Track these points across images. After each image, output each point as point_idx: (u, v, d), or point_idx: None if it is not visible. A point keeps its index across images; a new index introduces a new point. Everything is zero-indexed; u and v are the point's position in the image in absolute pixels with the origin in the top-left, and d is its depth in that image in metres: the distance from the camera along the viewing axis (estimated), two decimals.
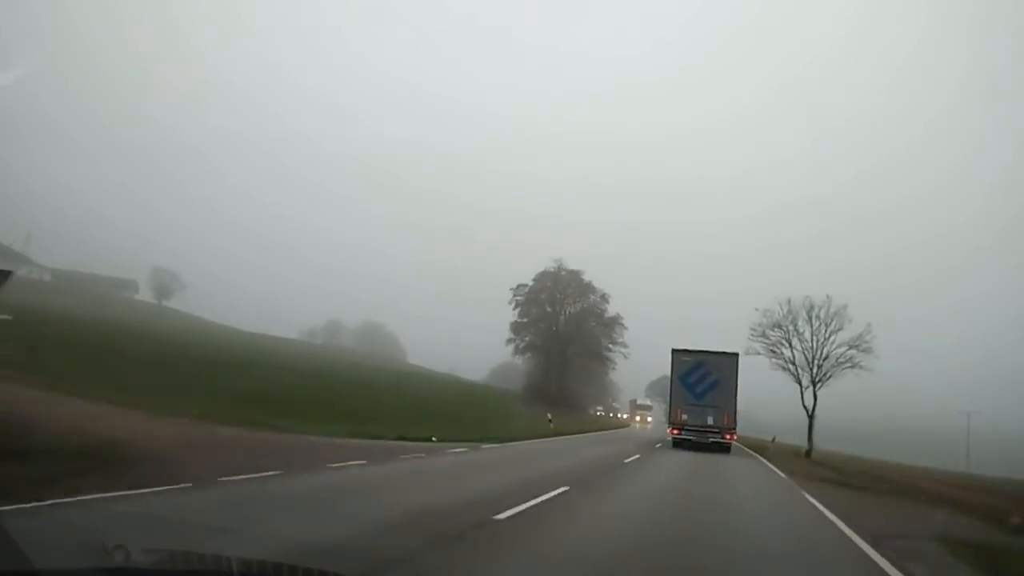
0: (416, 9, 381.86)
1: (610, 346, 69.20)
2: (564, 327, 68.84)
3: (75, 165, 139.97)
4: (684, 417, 27.37)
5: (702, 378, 27.56)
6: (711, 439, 26.84)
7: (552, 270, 67.82)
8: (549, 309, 68.38)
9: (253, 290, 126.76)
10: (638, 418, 78.71)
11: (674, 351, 28.47)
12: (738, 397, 27.56)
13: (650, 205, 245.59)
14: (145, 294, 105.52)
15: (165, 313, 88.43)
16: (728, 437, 27.29)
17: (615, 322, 69.09)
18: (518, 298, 68.10)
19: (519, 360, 70.94)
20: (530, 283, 68.42)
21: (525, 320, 68.28)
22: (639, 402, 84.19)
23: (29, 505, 6.17)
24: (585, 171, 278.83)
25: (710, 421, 26.98)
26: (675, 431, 27.66)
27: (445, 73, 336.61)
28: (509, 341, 68.16)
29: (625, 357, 69.71)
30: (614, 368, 73.28)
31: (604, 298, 69.06)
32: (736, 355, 28.25)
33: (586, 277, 69.36)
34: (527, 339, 68.82)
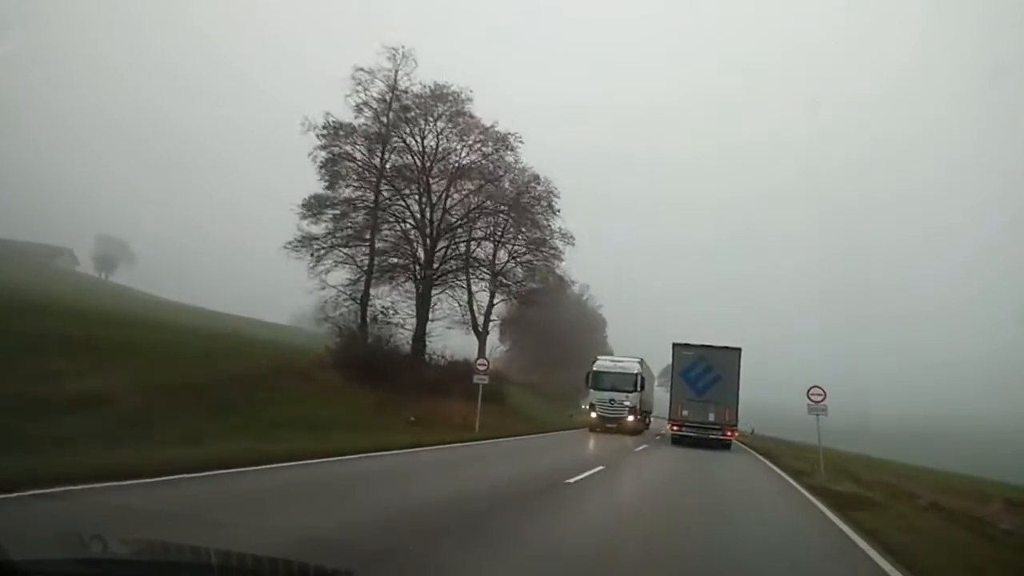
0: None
1: (539, 249, 35.70)
2: (429, 208, 32.87)
3: (31, 128, 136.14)
4: (685, 413, 27.60)
5: (703, 373, 27.77)
6: (711, 435, 27.21)
7: (388, 80, 31.09)
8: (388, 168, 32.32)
9: (246, 274, 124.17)
10: (593, 413, 32.59)
11: (675, 345, 28.64)
12: (739, 393, 27.61)
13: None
14: (87, 266, 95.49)
15: (97, 287, 76.78)
16: (729, 434, 27.67)
17: (532, 185, 34.54)
18: (326, 153, 31.01)
19: (329, 289, 31.16)
20: (354, 120, 31.32)
21: (341, 195, 31.81)
22: (603, 362, 34.78)
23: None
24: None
25: (711, 417, 27.25)
26: (675, 427, 27.91)
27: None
28: (299, 245, 30.31)
29: (560, 259, 35.84)
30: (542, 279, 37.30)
31: (505, 144, 33.14)
32: (738, 350, 28.37)
33: (475, 110, 32.62)
34: (339, 233, 31.45)
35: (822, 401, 19.96)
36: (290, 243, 30.47)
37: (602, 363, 34.21)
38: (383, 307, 31.63)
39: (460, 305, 36.40)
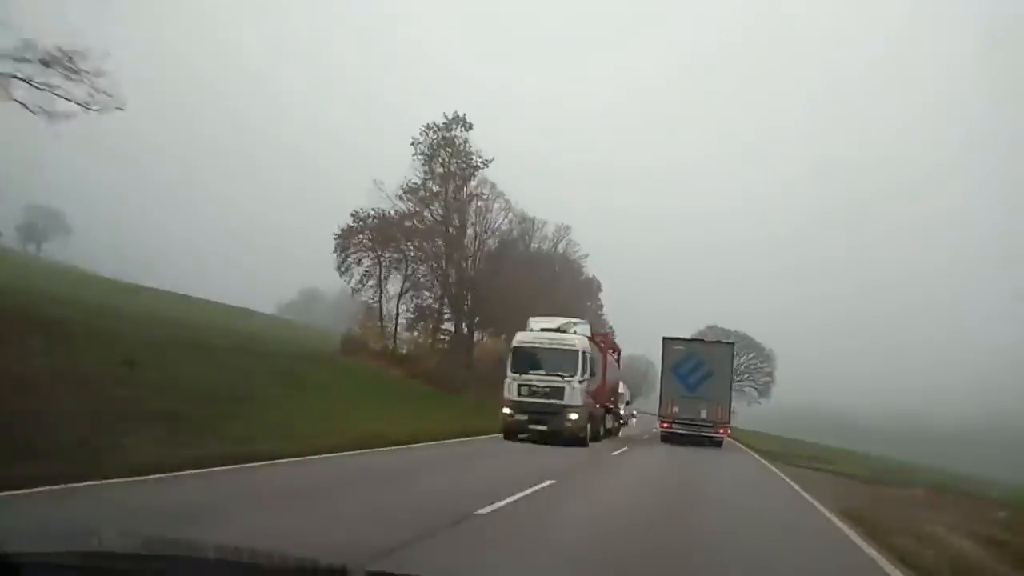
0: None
1: None
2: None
3: None
4: (675, 410, 27.56)
5: (694, 369, 27.72)
6: (703, 433, 27.10)
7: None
8: None
9: (230, 259, 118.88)
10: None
11: (665, 340, 28.74)
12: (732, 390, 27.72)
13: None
14: (11, 239, 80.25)
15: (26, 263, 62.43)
16: (721, 431, 27.62)
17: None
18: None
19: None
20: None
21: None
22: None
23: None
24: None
25: (703, 415, 27.18)
26: (664, 424, 27.85)
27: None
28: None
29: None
30: None
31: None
32: (731, 344, 28.61)
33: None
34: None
35: None
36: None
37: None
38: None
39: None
